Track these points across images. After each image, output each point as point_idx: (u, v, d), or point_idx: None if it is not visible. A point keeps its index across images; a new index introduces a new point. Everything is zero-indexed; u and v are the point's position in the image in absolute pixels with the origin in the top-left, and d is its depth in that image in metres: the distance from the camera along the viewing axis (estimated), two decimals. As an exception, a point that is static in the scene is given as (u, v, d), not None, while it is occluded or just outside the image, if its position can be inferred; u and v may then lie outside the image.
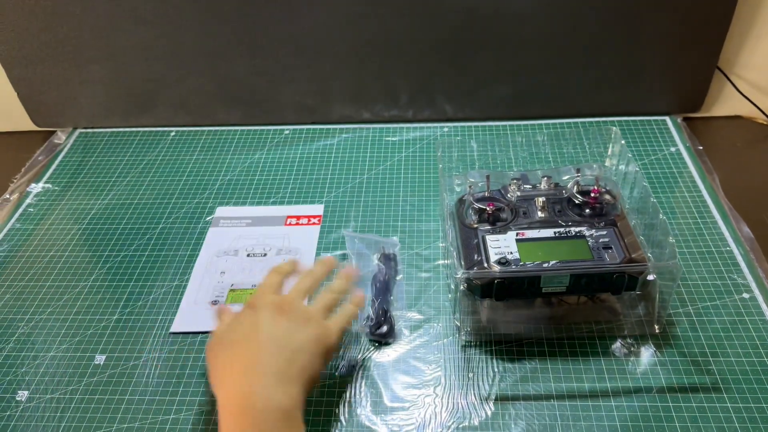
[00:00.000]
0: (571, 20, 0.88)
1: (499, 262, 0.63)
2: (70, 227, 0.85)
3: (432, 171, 0.90)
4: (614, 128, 0.76)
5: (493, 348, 0.66)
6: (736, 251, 0.74)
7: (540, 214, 0.69)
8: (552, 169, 0.75)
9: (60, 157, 0.98)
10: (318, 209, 0.85)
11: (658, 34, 0.89)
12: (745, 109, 0.97)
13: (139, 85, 0.98)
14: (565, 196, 0.71)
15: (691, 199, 0.82)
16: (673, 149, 0.90)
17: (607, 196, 0.70)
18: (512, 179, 0.73)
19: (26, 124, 1.03)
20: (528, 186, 0.73)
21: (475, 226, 0.68)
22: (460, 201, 0.73)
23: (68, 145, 1.00)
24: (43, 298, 0.75)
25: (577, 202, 0.69)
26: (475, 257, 0.64)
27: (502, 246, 0.65)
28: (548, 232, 0.66)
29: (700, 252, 0.75)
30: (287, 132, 1.00)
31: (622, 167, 0.74)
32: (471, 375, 0.64)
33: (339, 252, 0.78)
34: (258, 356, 0.53)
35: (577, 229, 0.66)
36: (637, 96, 0.96)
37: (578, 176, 0.72)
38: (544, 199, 0.70)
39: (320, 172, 0.91)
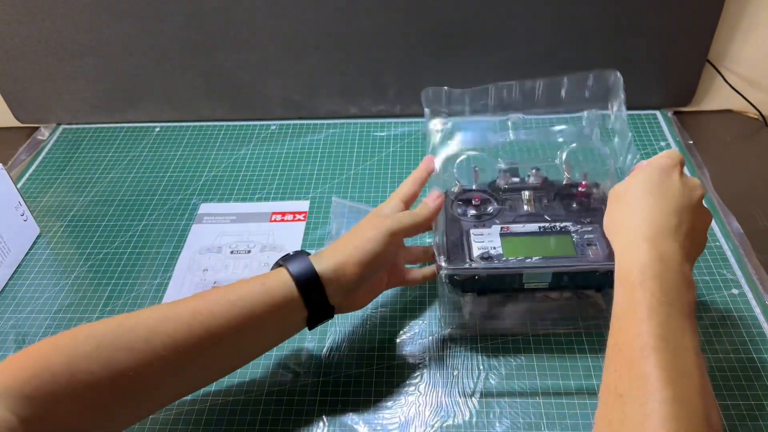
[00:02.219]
0: (560, 14, 0.87)
1: (481, 257, 0.62)
2: (51, 224, 0.84)
3: (420, 166, 0.88)
4: (614, 72, 0.71)
5: (478, 345, 0.65)
6: (725, 246, 0.74)
7: (526, 207, 0.68)
8: (546, 127, 0.72)
9: (43, 154, 0.97)
10: (303, 205, 0.84)
11: (647, 27, 0.88)
12: (735, 103, 0.96)
13: (123, 79, 0.97)
14: (553, 189, 0.70)
15: (681, 194, 0.81)
16: (663, 144, 0.89)
17: (595, 190, 0.69)
18: (501, 171, 0.72)
19: (9, 119, 1.02)
20: (516, 179, 0.72)
21: (460, 219, 0.67)
22: (446, 193, 0.72)
23: (51, 142, 0.99)
24: (23, 297, 0.74)
25: (564, 195, 0.69)
26: (458, 252, 0.63)
27: (485, 240, 0.64)
28: (533, 227, 0.65)
29: (689, 247, 0.74)
30: (273, 127, 0.98)
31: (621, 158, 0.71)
32: (455, 372, 0.62)
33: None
34: None
35: (563, 224, 0.65)
36: (627, 90, 0.94)
37: (566, 154, 0.71)
38: (530, 192, 0.69)
39: (306, 167, 0.90)
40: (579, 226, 0.65)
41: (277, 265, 0.57)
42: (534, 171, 0.71)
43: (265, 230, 0.81)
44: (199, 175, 0.90)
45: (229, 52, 0.93)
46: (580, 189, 0.68)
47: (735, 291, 0.69)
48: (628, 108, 0.95)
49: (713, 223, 0.76)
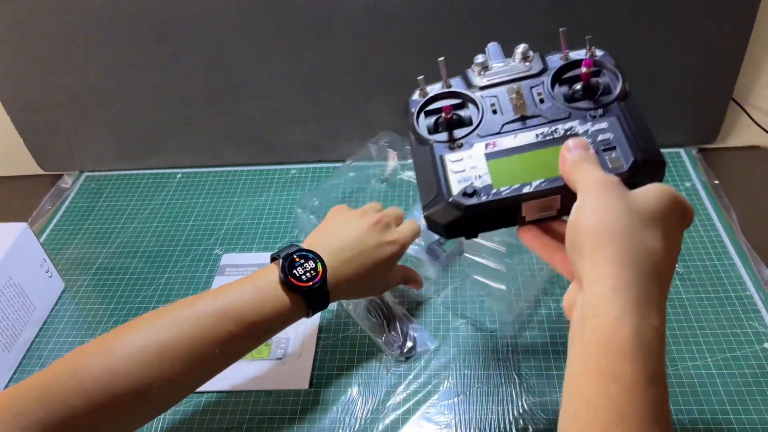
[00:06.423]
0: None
1: (464, 194, 0.48)
2: (76, 278, 0.84)
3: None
4: None
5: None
6: (756, 296, 0.72)
7: (515, 108, 0.52)
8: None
9: (66, 203, 0.98)
10: (325, 255, 0.83)
11: (672, 65, 0.87)
12: (761, 139, 0.94)
13: (145, 127, 0.98)
14: (548, 73, 0.53)
15: (708, 239, 0.79)
16: (688, 184, 0.88)
17: (606, 69, 0.53)
18: (474, 62, 0.55)
19: (33, 167, 1.03)
20: (499, 63, 0.54)
21: (429, 140, 0.52)
22: (408, 103, 0.56)
23: (75, 190, 1.00)
24: (49, 355, 0.75)
25: (563, 80, 0.53)
26: (432, 188, 0.50)
27: (467, 167, 0.49)
28: (528, 136, 0.50)
29: (718, 297, 0.72)
30: (294, 171, 0.98)
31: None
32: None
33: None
34: None
35: (567, 125, 0.50)
36: (652, 128, 0.94)
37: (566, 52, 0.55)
38: (518, 86, 0.52)
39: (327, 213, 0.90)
40: (589, 123, 0.50)
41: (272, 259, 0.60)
42: (519, 50, 0.54)
43: (287, 282, 0.80)
44: (220, 223, 0.90)
45: (249, 98, 0.93)
46: (584, 69, 0.51)
47: (767, 345, 0.67)
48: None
49: (743, 271, 0.75)
